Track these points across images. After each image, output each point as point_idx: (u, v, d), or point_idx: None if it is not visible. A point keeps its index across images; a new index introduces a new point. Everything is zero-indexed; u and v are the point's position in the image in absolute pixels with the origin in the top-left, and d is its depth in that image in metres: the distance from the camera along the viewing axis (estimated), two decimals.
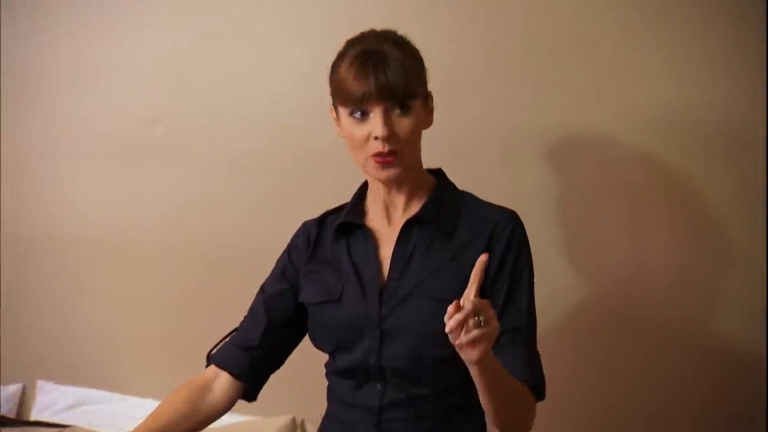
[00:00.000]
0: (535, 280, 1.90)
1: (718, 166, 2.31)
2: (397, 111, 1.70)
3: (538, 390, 1.69)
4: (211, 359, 1.88)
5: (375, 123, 1.69)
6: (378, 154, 1.70)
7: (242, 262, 2.35)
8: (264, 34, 2.53)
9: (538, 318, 1.80)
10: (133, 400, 2.54)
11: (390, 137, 1.69)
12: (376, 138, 1.69)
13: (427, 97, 1.80)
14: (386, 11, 2.24)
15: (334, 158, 2.19)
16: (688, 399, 2.36)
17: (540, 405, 1.73)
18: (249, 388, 1.83)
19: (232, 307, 2.23)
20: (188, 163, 2.51)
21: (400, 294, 1.73)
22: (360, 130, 1.70)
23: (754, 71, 2.26)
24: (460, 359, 1.58)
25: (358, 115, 1.70)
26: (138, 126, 2.52)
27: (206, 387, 1.84)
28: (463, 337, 1.45)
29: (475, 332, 1.44)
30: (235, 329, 1.90)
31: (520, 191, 2.37)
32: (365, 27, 1.81)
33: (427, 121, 1.80)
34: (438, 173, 1.86)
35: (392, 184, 1.77)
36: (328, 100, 1.79)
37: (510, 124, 2.39)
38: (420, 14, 2.39)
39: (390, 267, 1.76)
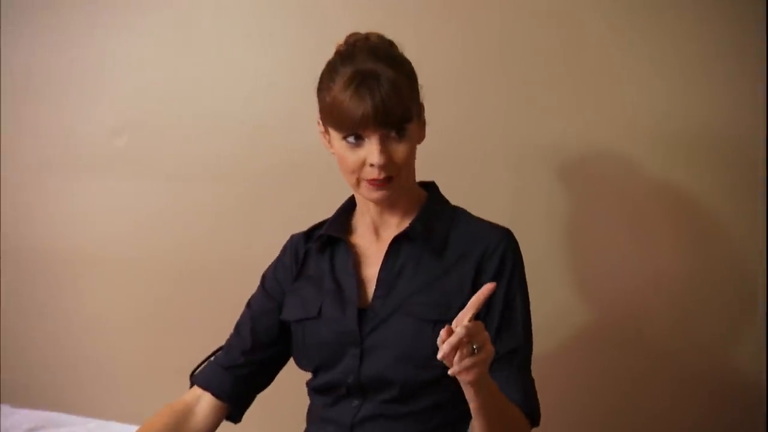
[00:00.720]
0: (537, 293, 1.85)
1: (719, 175, 2.26)
2: (394, 135, 1.66)
3: (532, 416, 1.66)
4: (193, 380, 1.84)
5: (371, 150, 1.65)
6: (373, 180, 1.67)
7: (211, 274, 2.34)
8: (233, 41, 2.47)
9: (540, 334, 1.77)
10: (94, 423, 2.45)
11: (387, 165, 1.66)
12: (372, 165, 1.65)
13: (421, 112, 1.76)
14: (359, 19, 2.07)
15: (305, 169, 2.16)
16: (688, 415, 2.30)
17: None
18: (233, 409, 1.81)
19: (201, 322, 2.23)
20: (154, 174, 2.47)
21: (384, 313, 1.69)
22: (354, 155, 1.66)
23: (753, 75, 2.22)
24: (442, 381, 1.56)
25: (352, 139, 1.66)
26: (101, 136, 2.47)
27: (188, 411, 1.80)
28: (456, 367, 1.42)
29: (467, 361, 1.41)
30: (219, 348, 1.87)
31: (514, 202, 2.33)
32: (338, 33, 1.74)
33: (421, 136, 1.76)
34: (429, 187, 1.82)
35: (384, 204, 1.75)
36: (313, 111, 1.74)
37: (498, 134, 2.33)
38: (396, 20, 2.31)
39: (376, 285, 1.72)
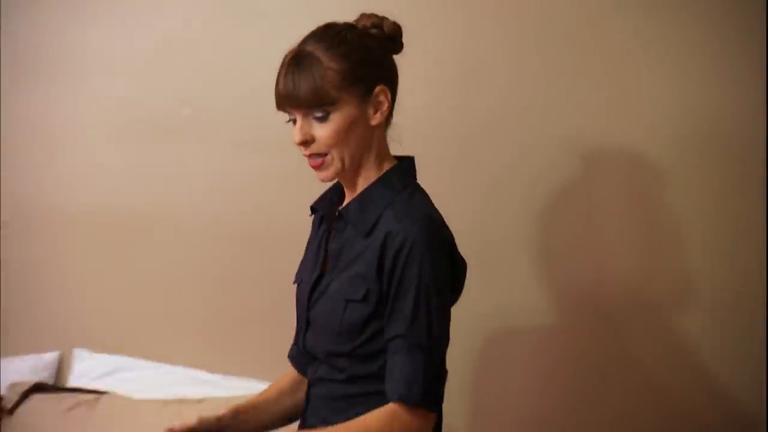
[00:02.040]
0: (546, 274, 1.92)
1: (725, 171, 2.31)
2: (318, 116, 1.64)
3: (408, 399, 1.61)
4: (290, 359, 1.90)
5: (295, 128, 1.66)
6: (307, 156, 1.68)
7: (267, 237, 2.39)
8: (288, 18, 2.49)
9: (543, 311, 1.85)
10: (165, 368, 2.57)
11: (306, 142, 1.65)
12: (295, 142, 1.67)
13: (370, 93, 1.68)
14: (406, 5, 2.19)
15: None
16: (690, 405, 2.38)
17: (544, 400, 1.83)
18: None
19: (256, 280, 2.30)
20: (216, 142, 2.53)
21: (322, 288, 1.72)
22: (293, 135, 1.68)
23: (756, 75, 2.27)
24: (358, 356, 1.64)
25: (289, 118, 1.68)
26: (168, 107, 2.55)
27: (294, 379, 1.86)
28: None
29: None
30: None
31: (523, 189, 2.36)
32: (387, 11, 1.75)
33: (372, 118, 1.69)
34: (399, 164, 1.76)
35: (347, 184, 1.73)
36: None
37: (518, 125, 2.39)
38: (434, 12, 2.39)
39: (328, 256, 1.75)
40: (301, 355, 1.82)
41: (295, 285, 1.83)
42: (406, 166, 1.74)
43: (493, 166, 2.41)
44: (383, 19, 1.69)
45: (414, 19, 2.11)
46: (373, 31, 1.67)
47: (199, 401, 2.38)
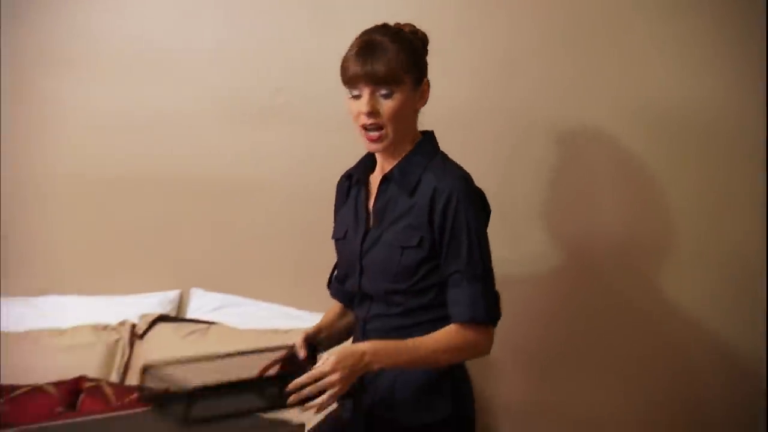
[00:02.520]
0: (551, 230, 2.17)
1: (715, 154, 2.55)
2: (383, 93, 1.83)
3: (477, 319, 1.81)
4: (333, 296, 2.09)
5: (361, 101, 1.84)
6: (364, 126, 1.86)
7: None
8: (361, 24, 2.57)
9: (547, 259, 2.10)
10: (262, 305, 2.79)
11: (372, 113, 1.83)
12: (362, 113, 1.84)
13: (421, 82, 1.90)
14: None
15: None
16: (675, 338, 2.62)
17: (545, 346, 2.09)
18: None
19: (329, 235, 2.34)
20: (303, 124, 2.76)
21: (372, 239, 1.90)
22: (354, 106, 1.86)
23: (755, 70, 2.46)
24: (412, 291, 1.84)
25: (354, 93, 1.86)
26: (265, 95, 2.78)
27: (344, 308, 2.08)
28: (313, 409, 1.67)
29: (313, 409, 1.67)
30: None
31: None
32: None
33: (419, 102, 1.90)
34: (424, 137, 1.96)
35: (387, 153, 1.92)
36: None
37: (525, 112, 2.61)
38: (479, 15, 2.62)
39: (373, 213, 1.93)
40: (344, 293, 2.01)
41: (335, 240, 2.03)
42: (431, 138, 1.96)
43: (518, 145, 2.61)
44: (418, 29, 1.94)
45: (463, 21, 2.40)
46: (416, 35, 1.91)
47: (287, 332, 2.58)
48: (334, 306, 2.09)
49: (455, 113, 2.02)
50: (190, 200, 2.87)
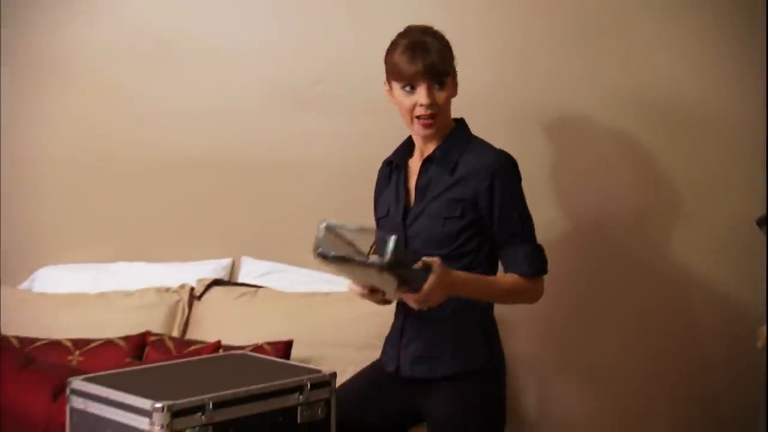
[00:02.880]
0: (568, 201, 2.40)
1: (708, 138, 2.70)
2: (437, 85, 2.02)
3: (535, 273, 2.05)
4: None
5: (421, 95, 2.00)
6: (421, 117, 2.02)
7: (373, 179, 2.43)
8: (390, 20, 2.60)
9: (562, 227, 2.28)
10: (304, 271, 2.91)
11: (431, 104, 2.02)
12: (421, 105, 2.01)
13: (455, 74, 2.10)
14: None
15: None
16: (682, 296, 2.76)
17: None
18: None
19: (366, 209, 2.46)
20: (342, 111, 2.92)
21: (415, 213, 2.07)
22: (409, 100, 2.03)
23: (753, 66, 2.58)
24: (453, 257, 1.98)
25: (408, 88, 2.02)
26: (304, 84, 2.95)
27: None
28: (415, 305, 1.84)
29: (414, 302, 1.83)
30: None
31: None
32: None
33: (454, 91, 2.09)
34: (458, 122, 2.13)
35: (428, 137, 2.10)
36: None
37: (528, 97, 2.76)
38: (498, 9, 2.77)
39: (415, 191, 2.10)
40: None
41: (378, 219, 2.19)
42: (464, 124, 2.15)
43: (538, 124, 2.78)
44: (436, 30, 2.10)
45: (481, 19, 2.56)
46: (441, 34, 2.10)
47: (326, 294, 2.76)
48: None
49: (475, 100, 2.16)
50: (241, 179, 3.01)
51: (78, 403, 1.91)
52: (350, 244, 1.81)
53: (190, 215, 3.08)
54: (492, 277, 2.05)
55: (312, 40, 2.97)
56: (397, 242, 1.75)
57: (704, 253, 2.72)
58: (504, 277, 2.07)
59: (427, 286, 1.82)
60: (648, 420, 2.79)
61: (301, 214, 2.92)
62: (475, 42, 2.12)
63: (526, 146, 2.21)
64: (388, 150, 2.42)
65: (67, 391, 1.94)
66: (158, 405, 1.74)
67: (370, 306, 2.40)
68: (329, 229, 1.86)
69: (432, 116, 2.04)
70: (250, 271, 2.99)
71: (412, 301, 1.85)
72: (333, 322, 2.67)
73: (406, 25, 2.25)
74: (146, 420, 1.75)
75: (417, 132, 2.09)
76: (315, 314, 2.71)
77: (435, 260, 1.84)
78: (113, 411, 1.82)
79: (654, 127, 2.72)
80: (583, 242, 2.76)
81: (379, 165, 2.38)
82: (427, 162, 2.08)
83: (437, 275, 1.83)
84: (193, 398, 1.78)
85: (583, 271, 2.76)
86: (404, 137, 2.29)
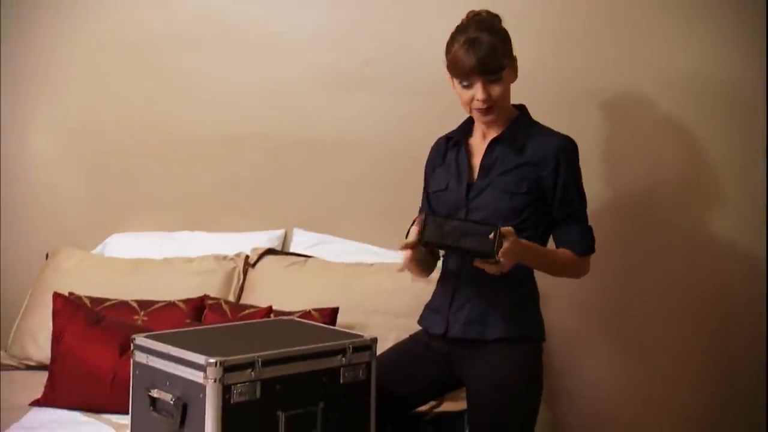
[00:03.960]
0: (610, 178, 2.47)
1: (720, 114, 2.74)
2: (491, 79, 2.07)
3: (586, 252, 2.14)
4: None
5: (477, 90, 2.06)
6: (478, 109, 2.10)
7: (417, 155, 2.51)
8: (435, 9, 2.90)
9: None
10: (350, 243, 3.01)
11: (486, 99, 2.07)
12: (477, 100, 2.07)
13: (512, 61, 2.13)
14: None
15: None
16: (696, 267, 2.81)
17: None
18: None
19: (409, 184, 2.56)
20: (389, 92, 3.00)
21: (480, 188, 2.13)
22: (466, 94, 2.09)
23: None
24: (519, 230, 2.00)
25: (465, 83, 2.08)
26: (354, 67, 3.04)
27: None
28: (494, 269, 1.91)
29: (493, 269, 1.91)
30: (419, 213, 2.30)
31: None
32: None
33: (513, 78, 2.14)
34: (521, 108, 2.21)
35: (490, 123, 2.16)
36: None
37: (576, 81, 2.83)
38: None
39: (479, 169, 2.15)
40: None
41: (435, 192, 2.21)
42: (526, 109, 2.21)
43: (578, 105, 2.84)
44: (494, 13, 2.14)
45: (523, 3, 2.64)
46: (499, 21, 2.13)
47: (370, 265, 2.85)
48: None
49: (519, 82, 2.20)
50: (294, 156, 3.11)
51: (141, 357, 2.04)
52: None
53: (246, 189, 3.17)
54: (552, 250, 2.12)
55: (361, 25, 3.03)
56: (498, 234, 1.88)
57: (741, 229, 2.74)
58: (560, 251, 2.13)
59: (502, 252, 1.88)
60: (678, 396, 2.85)
61: (348, 189, 3.07)
62: (515, 25, 2.12)
63: (567, 126, 2.24)
64: (432, 129, 2.45)
65: (131, 347, 2.07)
66: (212, 360, 1.85)
67: (410, 276, 2.48)
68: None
69: (489, 108, 2.09)
70: (301, 241, 3.07)
71: (489, 268, 1.93)
72: (376, 291, 2.74)
73: (450, 9, 2.29)
74: (201, 374, 1.87)
75: (476, 119, 2.16)
76: (360, 283, 2.78)
77: (509, 229, 1.91)
78: (172, 365, 1.95)
79: (693, 106, 2.75)
80: (625, 216, 2.81)
81: (423, 143, 2.43)
82: (494, 142, 2.14)
83: (511, 242, 1.90)
84: (244, 355, 1.89)
85: (623, 245, 2.80)
86: (448, 117, 2.35)
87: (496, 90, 2.08)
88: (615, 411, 2.87)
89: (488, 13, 2.14)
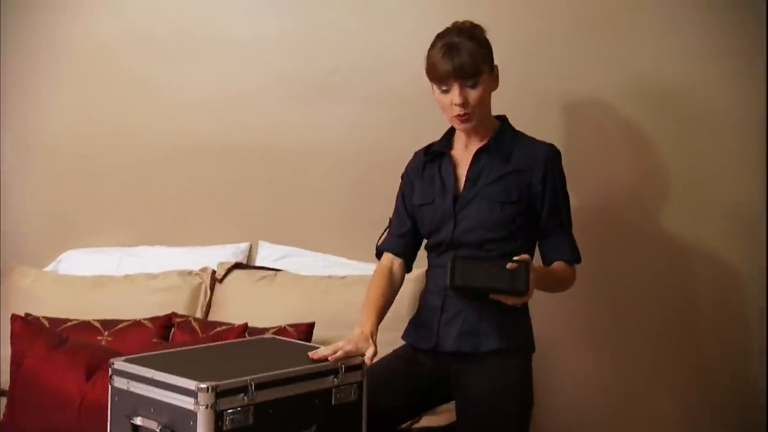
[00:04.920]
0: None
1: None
2: (469, 84, 2.03)
3: (576, 261, 2.14)
4: (381, 248, 2.22)
5: (453, 95, 2.03)
6: (456, 116, 2.06)
7: (385, 165, 2.58)
8: (403, 17, 2.84)
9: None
10: (320, 255, 2.92)
11: (464, 104, 2.04)
12: (455, 104, 2.04)
13: (493, 69, 2.09)
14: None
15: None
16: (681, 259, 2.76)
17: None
18: (408, 262, 2.24)
19: (377, 195, 2.56)
20: (355, 101, 2.92)
21: (467, 199, 2.09)
22: (445, 99, 2.05)
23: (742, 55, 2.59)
24: (503, 239, 2.03)
25: (443, 88, 2.05)
26: (320, 75, 2.95)
27: (388, 271, 2.21)
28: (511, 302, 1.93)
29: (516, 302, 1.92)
30: (388, 225, 2.24)
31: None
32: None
33: (493, 86, 2.10)
34: (502, 118, 2.19)
35: (472, 131, 2.12)
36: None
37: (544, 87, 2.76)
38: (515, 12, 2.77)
39: (465, 180, 2.11)
40: (403, 245, 2.19)
41: (420, 205, 2.17)
42: (507, 119, 2.18)
43: (545, 109, 2.78)
44: (476, 24, 2.11)
45: (492, 12, 2.51)
46: (480, 30, 2.10)
47: (342, 278, 2.74)
48: (379, 276, 2.20)
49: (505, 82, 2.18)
50: (258, 166, 3.02)
51: (121, 383, 1.91)
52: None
53: (208, 201, 3.08)
54: (552, 268, 2.09)
55: (327, 32, 2.97)
56: (527, 268, 1.90)
57: (697, 226, 2.73)
58: (555, 266, 2.11)
59: (531, 285, 1.89)
60: (652, 389, 2.81)
61: (314, 200, 2.99)
62: (486, 30, 2.15)
63: (534, 130, 2.23)
64: (400, 137, 2.43)
65: (110, 372, 1.93)
66: (203, 385, 1.74)
67: None
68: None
69: (466, 114, 2.06)
70: (267, 254, 2.98)
71: (509, 300, 1.94)
72: (350, 304, 2.56)
73: (419, 15, 2.35)
74: (191, 400, 1.75)
75: (456, 126, 2.13)
76: (333, 297, 2.70)
77: (524, 257, 1.90)
78: (157, 391, 1.82)
79: (653, 112, 2.73)
80: (587, 214, 2.72)
81: (391, 152, 2.39)
82: (479, 152, 2.11)
83: (534, 272, 1.91)
84: (237, 379, 1.78)
85: (587, 244, 2.67)
86: (416, 125, 2.35)
87: (473, 95, 2.04)
88: (589, 416, 2.84)
89: (471, 22, 2.12)
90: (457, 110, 2.05)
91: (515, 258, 1.94)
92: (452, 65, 2.00)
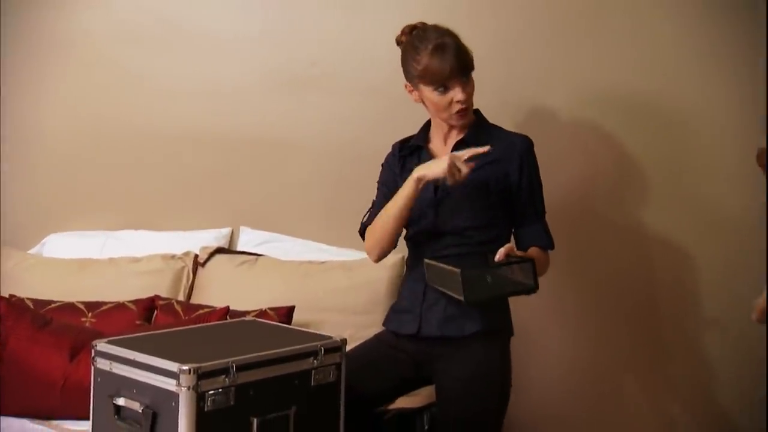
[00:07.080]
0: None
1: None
2: (465, 80, 2.03)
3: (551, 247, 2.13)
4: (365, 224, 2.18)
5: (455, 92, 2.01)
6: (457, 112, 2.04)
7: (364, 156, 2.55)
8: (381, 11, 2.81)
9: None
10: (299, 241, 2.89)
11: (466, 100, 2.04)
12: (458, 101, 2.02)
13: (472, 69, 2.08)
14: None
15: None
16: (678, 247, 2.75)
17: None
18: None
19: (354, 184, 2.58)
20: (333, 92, 2.89)
21: (445, 190, 2.07)
22: (443, 99, 2.02)
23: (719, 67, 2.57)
24: (484, 226, 2.03)
25: (441, 89, 2.01)
26: (301, 67, 2.91)
27: None
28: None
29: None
30: (372, 206, 2.21)
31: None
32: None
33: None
34: (477, 112, 2.17)
35: (449, 126, 2.10)
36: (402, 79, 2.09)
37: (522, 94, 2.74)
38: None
39: None
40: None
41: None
42: (480, 112, 2.17)
43: (517, 115, 2.74)
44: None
45: (457, 9, 2.56)
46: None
47: (321, 263, 2.73)
48: None
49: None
50: (240, 154, 2.99)
51: (103, 364, 1.86)
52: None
53: (191, 187, 3.04)
54: (534, 255, 2.05)
55: (307, 25, 2.93)
56: (534, 265, 1.89)
57: (667, 221, 2.73)
58: (532, 251, 2.09)
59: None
60: (624, 375, 2.83)
61: (295, 188, 2.96)
62: (462, 30, 2.10)
63: (512, 128, 2.21)
64: (378, 128, 2.42)
65: (92, 353, 1.88)
66: (185, 367, 1.70)
67: (363, 274, 2.56)
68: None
69: (466, 109, 2.07)
70: (248, 240, 2.94)
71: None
72: (330, 288, 2.63)
73: (393, 9, 2.33)
74: (173, 381, 1.71)
75: (453, 122, 2.09)
76: (312, 281, 2.67)
77: (530, 256, 1.93)
78: (139, 372, 1.78)
79: (624, 118, 2.72)
80: (570, 211, 2.74)
81: (369, 142, 2.37)
82: (459, 144, 2.09)
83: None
84: (218, 361, 1.74)
85: (571, 235, 2.68)
86: (394, 116, 2.29)
87: (471, 89, 2.05)
88: (557, 407, 2.83)
89: (434, 24, 2.09)
90: (458, 107, 2.04)
91: (520, 255, 1.94)
92: (453, 64, 1.99)
